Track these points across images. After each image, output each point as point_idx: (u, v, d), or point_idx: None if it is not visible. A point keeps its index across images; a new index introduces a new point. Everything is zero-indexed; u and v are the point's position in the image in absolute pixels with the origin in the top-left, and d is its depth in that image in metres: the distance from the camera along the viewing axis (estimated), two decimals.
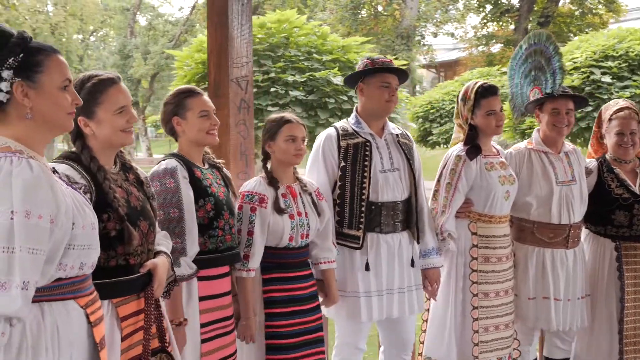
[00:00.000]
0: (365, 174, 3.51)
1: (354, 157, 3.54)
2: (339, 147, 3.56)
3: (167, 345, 2.43)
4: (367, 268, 3.50)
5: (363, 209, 3.50)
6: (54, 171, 2.06)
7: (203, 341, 2.91)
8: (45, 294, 1.89)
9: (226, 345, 3.02)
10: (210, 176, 3.03)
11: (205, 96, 3.05)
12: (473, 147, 3.83)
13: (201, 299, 2.92)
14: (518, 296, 3.98)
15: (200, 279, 2.91)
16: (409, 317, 3.71)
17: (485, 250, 3.83)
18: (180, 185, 2.83)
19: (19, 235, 1.74)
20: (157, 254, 2.49)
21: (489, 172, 3.82)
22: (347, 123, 3.67)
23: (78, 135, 2.36)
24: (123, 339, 2.27)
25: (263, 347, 3.21)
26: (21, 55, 1.90)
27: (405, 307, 3.61)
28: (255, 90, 9.53)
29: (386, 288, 3.54)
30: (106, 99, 2.34)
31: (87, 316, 2.00)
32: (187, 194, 2.85)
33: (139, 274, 2.35)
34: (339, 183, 3.54)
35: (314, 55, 9.70)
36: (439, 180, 3.87)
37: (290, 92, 9.34)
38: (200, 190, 2.92)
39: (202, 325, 2.91)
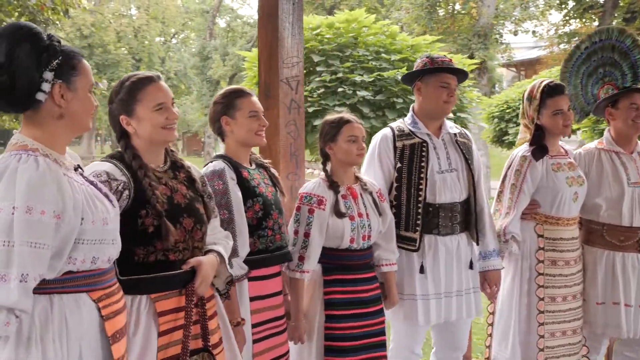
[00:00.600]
0: (422, 175, 3.45)
1: (410, 158, 3.48)
2: (395, 147, 3.52)
3: (209, 345, 2.42)
4: (421, 271, 3.44)
5: (420, 210, 3.44)
6: (78, 168, 2.12)
7: (255, 341, 2.91)
8: (56, 286, 1.94)
9: (278, 345, 3.02)
10: (258, 176, 3.02)
11: (255, 97, 3.05)
12: (539, 148, 3.73)
13: (252, 299, 2.92)
14: (587, 301, 3.84)
15: (250, 279, 2.91)
16: (465, 321, 3.63)
17: (552, 253, 3.72)
18: (229, 186, 2.84)
19: (19, 229, 1.80)
20: (208, 252, 2.50)
21: (556, 173, 3.71)
22: (404, 123, 3.61)
23: (122, 135, 2.43)
24: (161, 334, 2.29)
25: (322, 348, 3.18)
26: (60, 58, 1.98)
27: (463, 311, 3.53)
28: (322, 90, 9.51)
29: (444, 291, 3.48)
30: (144, 96, 2.38)
31: (99, 310, 2.03)
32: (236, 195, 2.85)
33: (179, 271, 2.37)
34: (395, 184, 3.49)
35: (382, 55, 9.59)
36: (503, 182, 3.79)
37: (357, 92, 9.26)
38: (248, 191, 2.91)
39: (254, 326, 2.91)
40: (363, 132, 3.26)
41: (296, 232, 3.16)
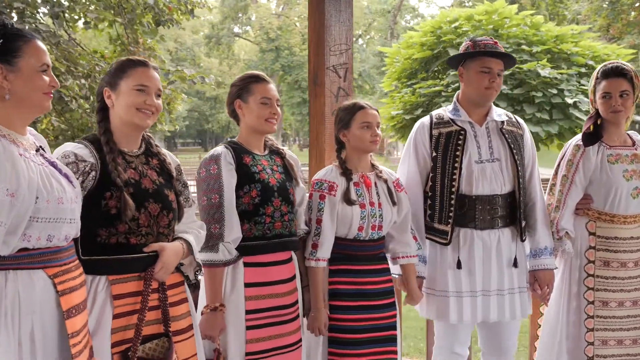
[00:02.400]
0: (456, 165, 3.28)
1: (445, 147, 3.31)
2: (431, 136, 3.37)
3: (170, 330, 2.45)
4: (459, 266, 3.27)
5: (453, 202, 3.27)
6: (40, 148, 2.23)
7: (249, 328, 2.86)
8: (11, 263, 2.00)
9: (283, 335, 2.95)
10: (265, 163, 2.99)
11: (272, 85, 3.02)
12: (590, 135, 3.42)
13: (248, 285, 2.88)
14: None
15: (247, 265, 2.88)
16: (510, 322, 3.41)
17: (605, 254, 3.40)
18: (222, 171, 2.84)
19: None
20: (176, 239, 2.55)
21: (612, 165, 3.39)
22: (445, 111, 3.45)
23: (101, 109, 2.51)
24: (117, 316, 2.34)
25: (326, 338, 3.11)
26: (1, 41, 2.05)
27: (506, 311, 3.31)
28: (457, 84, 9.31)
29: (481, 289, 3.28)
30: (131, 74, 2.45)
31: (55, 286, 2.07)
32: (229, 180, 2.84)
33: (140, 254, 2.40)
34: (430, 174, 3.35)
35: (523, 46, 9.19)
36: (556, 173, 3.53)
37: None
38: (246, 177, 2.89)
39: (248, 312, 2.87)
40: (378, 118, 3.15)
41: (309, 220, 3.13)
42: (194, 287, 2.70)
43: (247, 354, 2.84)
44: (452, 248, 3.29)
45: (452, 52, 9.54)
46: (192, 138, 59.86)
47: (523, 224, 3.36)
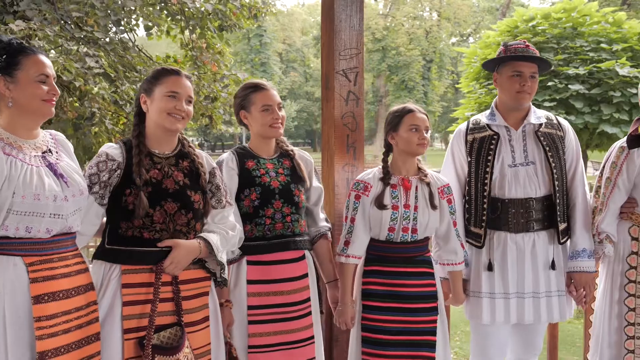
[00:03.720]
0: (488, 169, 3.30)
1: (479, 151, 3.34)
2: (466, 141, 3.40)
3: (182, 321, 2.64)
4: (489, 268, 3.29)
5: (485, 205, 3.29)
6: (48, 151, 2.52)
7: (250, 322, 3.01)
8: None
9: (291, 331, 3.07)
10: (270, 166, 3.13)
11: (272, 91, 3.15)
12: (636, 136, 3.32)
13: (250, 282, 3.03)
14: None
15: (249, 263, 3.04)
16: (543, 324, 3.41)
17: None
18: (224, 176, 3.01)
19: None
20: (197, 238, 2.74)
21: None
22: (483, 116, 3.47)
23: (138, 113, 2.77)
24: (126, 304, 2.56)
25: (360, 338, 3.18)
26: (4, 57, 2.37)
27: (542, 314, 3.29)
28: None
29: (516, 291, 3.27)
30: (164, 82, 2.70)
31: (28, 273, 2.30)
32: (229, 184, 3.00)
33: (152, 248, 2.62)
34: (467, 179, 3.39)
35: (602, 45, 8.84)
36: (601, 175, 3.44)
37: (570, 86, 8.70)
38: (247, 180, 3.05)
39: (250, 308, 3.02)
40: (427, 122, 3.18)
41: (345, 218, 3.22)
42: (222, 284, 2.85)
43: (249, 347, 2.99)
44: (485, 250, 3.30)
45: None
46: (301, 138, 60.75)
47: (562, 226, 3.32)
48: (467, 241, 3.38)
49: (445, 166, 3.49)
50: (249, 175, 3.06)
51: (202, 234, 2.74)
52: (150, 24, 6.62)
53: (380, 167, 3.24)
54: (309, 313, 3.14)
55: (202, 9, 6.64)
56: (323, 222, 3.32)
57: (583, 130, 8.94)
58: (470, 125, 3.44)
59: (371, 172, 3.24)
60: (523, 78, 3.25)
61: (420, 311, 3.14)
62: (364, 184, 3.18)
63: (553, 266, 3.29)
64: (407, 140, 3.14)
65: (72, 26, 5.78)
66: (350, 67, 3.80)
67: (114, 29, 6.36)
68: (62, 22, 5.72)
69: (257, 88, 3.14)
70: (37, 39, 5.02)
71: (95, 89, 5.06)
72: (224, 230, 2.81)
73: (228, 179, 3.02)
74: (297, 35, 55.34)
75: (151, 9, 6.28)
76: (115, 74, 5.60)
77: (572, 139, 3.42)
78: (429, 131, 3.20)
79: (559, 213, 3.29)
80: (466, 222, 3.39)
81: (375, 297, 3.14)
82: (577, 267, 3.32)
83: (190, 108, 2.75)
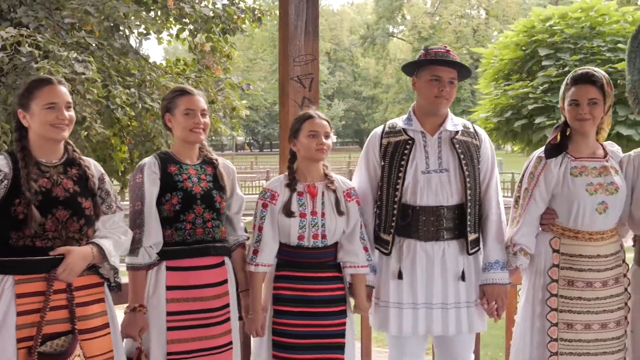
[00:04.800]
0: (400, 175, 3.23)
1: (392, 156, 3.27)
2: (381, 145, 3.34)
3: (76, 328, 2.65)
4: (399, 276, 3.22)
5: (395, 211, 3.23)
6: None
7: (170, 329, 2.99)
8: None
9: (210, 337, 3.05)
10: (193, 172, 3.11)
11: (197, 96, 3.13)
12: (555, 146, 3.23)
13: (169, 288, 3.02)
14: (634, 333, 3.23)
15: (169, 269, 3.03)
16: (463, 336, 3.30)
17: (569, 272, 3.18)
18: (145, 180, 3.00)
19: None
20: (89, 244, 2.76)
21: (574, 178, 3.16)
22: (400, 120, 3.42)
23: (18, 128, 2.77)
24: (21, 314, 2.56)
25: (271, 342, 3.19)
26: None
27: (451, 325, 3.21)
28: (547, 86, 8.92)
29: (424, 302, 3.20)
30: (39, 95, 2.70)
31: None
32: (150, 188, 2.99)
33: (46, 257, 2.62)
34: (379, 184, 3.33)
35: (620, 45, 8.61)
36: (520, 185, 3.34)
37: None
38: (169, 185, 3.03)
39: (169, 314, 3.00)
40: (326, 128, 3.16)
41: (254, 226, 3.21)
42: (114, 289, 2.88)
43: (168, 353, 2.98)
44: (394, 258, 3.25)
45: (544, 52, 9.13)
46: (349, 137, 60.83)
47: (472, 237, 3.25)
48: (376, 248, 3.32)
49: (358, 169, 3.45)
50: (170, 179, 3.05)
51: (94, 240, 2.76)
52: (143, 30, 6.74)
53: (285, 174, 3.24)
54: (228, 319, 3.14)
55: (202, 13, 6.74)
56: (242, 231, 3.31)
57: None
58: (386, 129, 3.37)
59: (278, 180, 3.24)
60: (442, 83, 3.18)
61: (329, 315, 3.16)
62: (271, 193, 3.18)
63: (463, 277, 3.21)
64: (306, 146, 3.13)
65: (67, 32, 5.93)
66: (305, 74, 3.80)
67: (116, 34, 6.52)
68: (59, 28, 5.87)
69: (182, 92, 3.13)
70: (26, 45, 5.17)
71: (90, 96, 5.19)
72: (117, 235, 2.82)
73: (150, 183, 3.02)
74: (346, 34, 55.38)
75: (144, 14, 6.38)
76: (104, 79, 5.71)
77: (487, 149, 3.35)
78: (330, 137, 3.16)
79: (469, 223, 3.21)
80: (376, 228, 3.32)
81: (286, 302, 3.15)
82: (489, 279, 3.24)
83: (72, 113, 2.75)
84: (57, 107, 2.69)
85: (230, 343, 3.13)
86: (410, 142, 3.25)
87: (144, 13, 6.50)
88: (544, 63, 8.84)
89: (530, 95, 8.86)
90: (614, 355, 3.16)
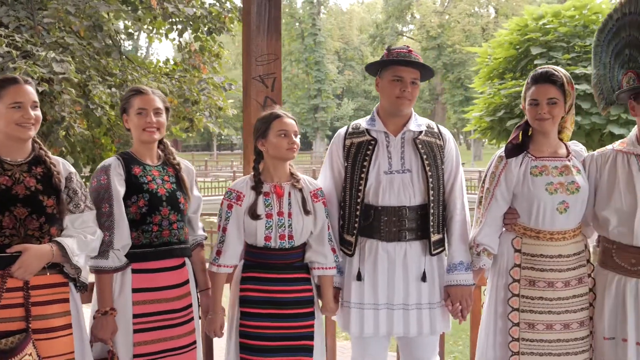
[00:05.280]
0: (362, 175, 3.22)
1: (355, 156, 3.27)
2: (344, 145, 3.34)
3: (30, 327, 2.64)
4: (358, 277, 3.22)
5: (358, 212, 3.22)
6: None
7: (136, 331, 2.99)
8: None
9: (174, 337, 3.08)
10: (156, 173, 3.12)
11: (151, 95, 3.13)
12: (515, 145, 3.23)
13: (135, 290, 3.01)
14: (594, 333, 3.21)
15: (135, 271, 3.02)
16: (426, 337, 3.29)
17: (530, 272, 3.18)
18: (111, 181, 2.98)
19: None
20: (51, 242, 2.76)
21: (534, 178, 3.16)
22: (364, 120, 3.40)
23: None
24: None
25: (237, 345, 3.18)
26: None
27: (412, 327, 3.20)
28: None
29: (385, 302, 3.20)
30: (5, 94, 2.73)
31: None
32: (117, 189, 2.97)
33: (1, 254, 2.63)
34: (343, 184, 3.32)
35: None
36: (483, 185, 3.34)
37: (577, 86, 8.41)
38: (135, 187, 3.02)
39: (136, 316, 3.00)
40: (295, 127, 3.16)
41: (219, 227, 3.20)
42: (81, 289, 2.88)
43: (134, 356, 2.99)
44: (357, 259, 3.24)
45: (536, 51, 9.05)
46: None
47: (435, 237, 3.23)
48: (341, 249, 3.31)
49: (323, 171, 3.44)
50: (136, 181, 3.04)
51: (56, 238, 2.76)
52: (122, 29, 6.74)
53: (251, 175, 3.22)
54: (191, 319, 3.15)
55: (185, 13, 6.74)
56: (200, 230, 3.32)
57: (594, 131, 8.66)
58: (350, 130, 3.36)
59: (243, 181, 3.22)
60: (403, 83, 3.17)
61: (297, 317, 3.14)
62: (237, 193, 3.16)
63: (424, 278, 3.20)
64: (276, 145, 3.11)
65: (48, 32, 5.95)
66: (267, 73, 3.79)
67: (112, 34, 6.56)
68: (40, 28, 5.90)
69: (137, 92, 3.13)
70: (4, 45, 5.19)
71: (66, 96, 5.20)
72: (82, 234, 2.81)
73: (116, 185, 3.00)
74: (355, 33, 55.29)
75: (123, 14, 6.40)
76: (85, 79, 5.71)
77: (452, 149, 3.33)
78: (298, 135, 3.16)
79: (432, 223, 3.20)
80: (340, 229, 3.32)
81: (253, 304, 3.13)
82: (453, 280, 3.23)
83: (38, 112, 2.77)
84: (23, 107, 2.71)
85: (194, 343, 3.15)
86: (372, 142, 3.24)
87: (124, 14, 6.49)
88: (536, 62, 8.77)
89: (522, 96, 8.79)
90: (578, 356, 3.15)
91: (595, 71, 3.41)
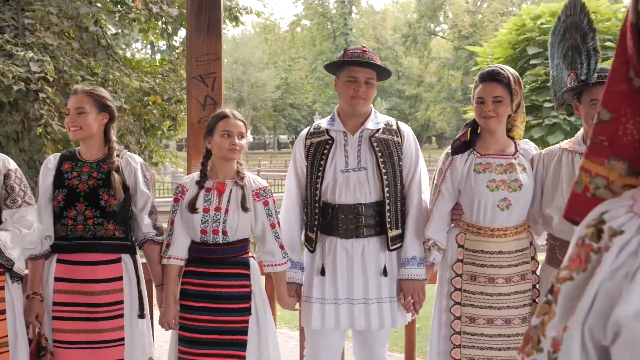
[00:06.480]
0: (319, 174, 3.32)
1: (314, 156, 3.37)
2: (305, 145, 3.43)
3: None
4: (322, 273, 3.32)
5: (317, 210, 3.33)
6: None
7: (54, 318, 3.19)
8: None
9: (97, 331, 3.21)
10: (86, 169, 3.28)
11: (79, 96, 3.30)
12: (461, 142, 3.31)
13: (58, 279, 3.21)
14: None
15: (59, 261, 3.23)
16: (379, 331, 3.39)
17: (472, 267, 3.26)
18: (40, 175, 3.27)
19: None
20: None
21: (477, 175, 3.24)
22: (325, 120, 3.49)
23: None
24: None
25: (176, 337, 3.31)
26: None
27: (373, 320, 3.29)
28: (534, 85, 8.76)
29: (346, 297, 3.29)
30: None
31: None
32: (44, 182, 3.26)
33: None
34: (305, 183, 3.42)
35: (608, 43, 8.41)
36: (433, 181, 3.43)
37: None
38: (59, 182, 3.25)
39: (54, 304, 3.20)
40: (241, 128, 3.24)
41: (168, 220, 3.33)
42: (17, 279, 3.09)
43: (54, 341, 3.18)
44: (318, 255, 3.34)
45: (533, 51, 8.97)
46: None
47: (392, 233, 3.31)
48: (305, 245, 3.42)
49: (288, 171, 3.54)
50: (61, 176, 3.25)
51: None
52: (99, 28, 6.88)
53: (198, 171, 3.32)
54: (121, 315, 3.25)
55: (170, 14, 6.85)
56: (149, 227, 3.35)
57: None
58: (311, 130, 3.46)
59: (191, 177, 3.34)
60: (357, 83, 3.24)
61: (232, 311, 3.22)
62: (182, 188, 3.30)
63: (385, 273, 3.28)
64: (219, 145, 3.20)
65: (31, 33, 6.13)
66: (207, 73, 3.88)
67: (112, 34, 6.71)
68: (23, 28, 6.08)
69: (72, 93, 3.33)
70: None
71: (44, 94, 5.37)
72: (18, 228, 3.00)
73: (42, 179, 3.24)
74: (389, 33, 55.11)
75: (104, 15, 6.54)
76: (66, 79, 5.87)
77: (411, 145, 3.39)
78: (245, 137, 3.23)
79: (388, 220, 3.27)
80: (304, 227, 3.43)
81: (191, 297, 3.24)
82: (405, 274, 3.31)
83: None
84: None
85: (122, 339, 3.24)
86: (330, 141, 3.33)
87: (104, 15, 6.64)
88: (532, 62, 8.69)
89: None
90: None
91: (551, 72, 3.44)
